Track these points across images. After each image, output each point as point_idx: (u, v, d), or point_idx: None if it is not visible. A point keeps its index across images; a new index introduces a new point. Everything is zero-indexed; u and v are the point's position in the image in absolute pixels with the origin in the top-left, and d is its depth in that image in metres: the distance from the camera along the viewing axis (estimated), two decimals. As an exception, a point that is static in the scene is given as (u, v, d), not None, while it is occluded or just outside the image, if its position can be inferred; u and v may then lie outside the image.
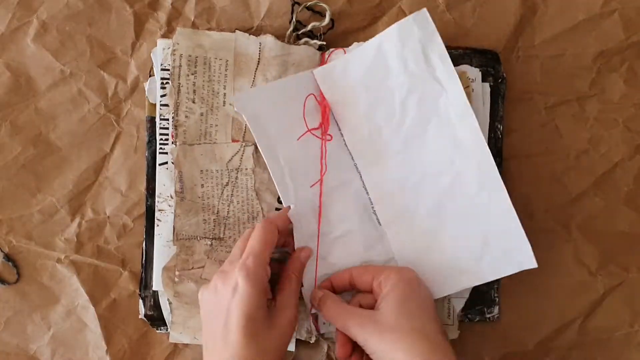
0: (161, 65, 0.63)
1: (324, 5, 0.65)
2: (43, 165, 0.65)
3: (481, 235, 0.60)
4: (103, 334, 0.64)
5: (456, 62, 0.64)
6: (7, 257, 0.64)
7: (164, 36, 0.65)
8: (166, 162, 0.63)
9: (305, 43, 0.65)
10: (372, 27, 0.66)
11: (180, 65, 0.63)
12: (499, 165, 0.64)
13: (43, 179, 0.65)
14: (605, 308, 0.66)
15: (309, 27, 0.65)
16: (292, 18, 0.65)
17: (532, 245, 0.60)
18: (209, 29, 0.65)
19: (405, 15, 0.65)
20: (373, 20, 0.66)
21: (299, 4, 0.65)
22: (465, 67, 0.64)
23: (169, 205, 0.63)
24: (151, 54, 0.65)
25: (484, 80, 0.65)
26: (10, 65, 0.65)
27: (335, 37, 0.66)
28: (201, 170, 0.63)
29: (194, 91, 0.63)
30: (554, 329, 0.66)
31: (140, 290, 0.64)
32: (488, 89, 0.65)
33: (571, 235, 0.66)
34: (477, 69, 0.64)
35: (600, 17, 0.66)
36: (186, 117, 0.63)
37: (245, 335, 0.51)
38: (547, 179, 0.66)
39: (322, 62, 0.65)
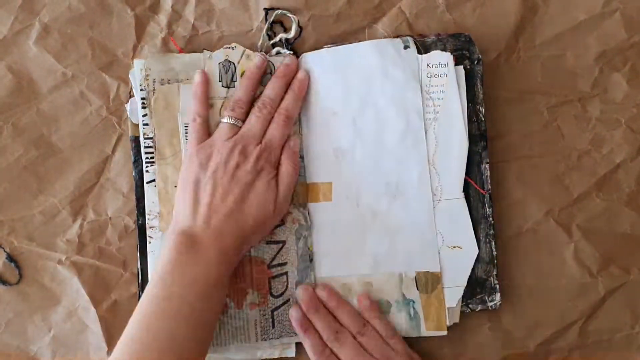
0: (140, 85, 0.64)
1: (290, 16, 0.66)
2: (45, 167, 0.65)
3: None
4: (104, 335, 0.64)
5: (429, 49, 0.64)
6: (10, 258, 0.65)
7: (164, 39, 0.66)
8: (154, 180, 0.64)
9: (277, 53, 0.66)
10: (371, 28, 0.66)
11: (153, 90, 0.63)
12: (484, 149, 0.64)
13: (45, 181, 0.65)
14: (606, 310, 0.65)
15: (277, 38, 0.66)
16: (265, 26, 0.66)
17: (531, 247, 0.60)
18: (208, 32, 0.66)
19: (405, 16, 0.66)
20: (373, 21, 0.66)
21: (273, 9, 0.65)
22: (436, 53, 0.64)
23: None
24: (129, 75, 0.65)
25: (459, 63, 0.64)
26: (13, 67, 0.65)
27: (335, 37, 0.66)
28: None
29: None
30: (555, 330, 0.65)
31: None
32: (462, 72, 0.64)
33: (572, 236, 0.65)
34: (449, 53, 0.64)
35: (601, 17, 0.66)
36: None
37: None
38: (548, 180, 0.66)
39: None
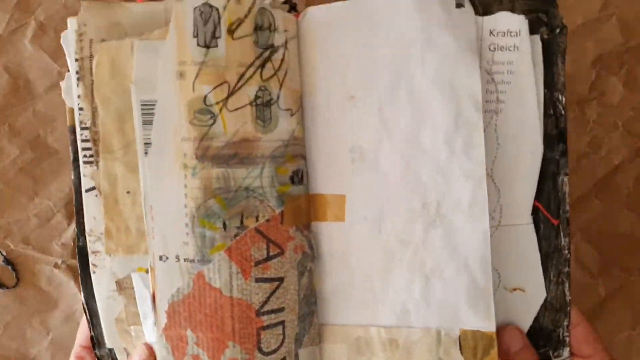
0: (75, 54, 0.45)
1: None
2: (41, 169, 0.64)
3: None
4: (102, 339, 0.63)
5: (490, 8, 0.45)
6: (7, 261, 0.64)
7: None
8: (94, 188, 0.46)
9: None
10: None
11: (90, 55, 0.45)
12: (563, 155, 0.46)
13: (40, 183, 0.64)
14: (607, 311, 0.66)
15: None
16: None
17: None
18: None
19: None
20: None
21: None
22: (504, 16, 0.45)
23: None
24: (61, 40, 0.47)
25: (534, 32, 0.45)
26: (9, 67, 0.64)
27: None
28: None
29: None
30: (556, 331, 0.65)
31: (94, 348, 0.49)
32: (539, 45, 0.45)
33: (572, 238, 0.66)
34: (522, 17, 0.45)
35: (598, 22, 0.67)
36: None
37: None
38: (547, 182, 0.66)
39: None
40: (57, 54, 0.64)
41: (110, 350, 0.49)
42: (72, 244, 0.64)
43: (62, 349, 0.64)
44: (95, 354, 0.49)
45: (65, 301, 0.64)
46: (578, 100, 0.66)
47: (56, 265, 0.64)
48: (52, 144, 0.64)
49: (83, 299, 0.48)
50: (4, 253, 0.64)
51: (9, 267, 0.63)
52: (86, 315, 0.49)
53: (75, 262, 0.62)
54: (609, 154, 0.66)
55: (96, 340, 0.49)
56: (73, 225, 0.64)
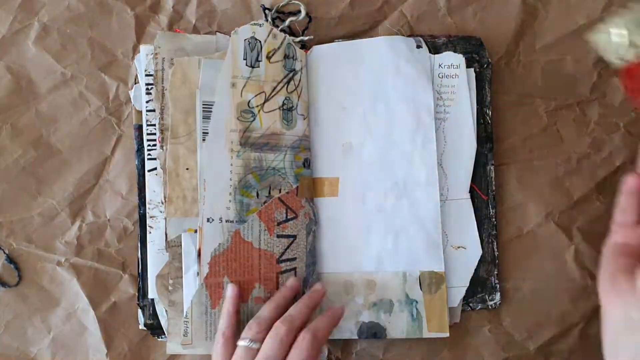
0: (145, 70, 0.63)
1: (297, 2, 0.65)
2: (44, 168, 0.65)
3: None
4: (103, 337, 0.64)
5: (439, 49, 0.65)
6: (9, 259, 0.64)
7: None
8: (155, 168, 0.63)
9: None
10: (373, 30, 0.66)
11: (163, 69, 0.62)
12: (490, 150, 0.65)
13: (44, 182, 0.65)
14: (607, 312, 0.66)
15: (287, 22, 0.65)
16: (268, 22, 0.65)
17: (532, 250, 0.62)
18: (209, 33, 0.65)
19: (406, 19, 0.66)
20: (374, 24, 0.66)
21: (269, 9, 0.65)
22: (448, 54, 0.65)
23: (160, 212, 0.63)
24: (134, 61, 0.65)
25: (469, 66, 0.65)
26: (12, 67, 0.65)
27: (337, 40, 0.66)
28: None
29: None
30: (555, 333, 0.65)
31: (138, 300, 0.64)
32: (473, 75, 0.65)
33: (573, 239, 0.66)
34: (461, 55, 0.65)
35: (600, 22, 0.66)
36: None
37: None
38: (548, 183, 0.66)
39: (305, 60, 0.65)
40: (60, 55, 0.65)
41: (152, 301, 0.63)
42: (76, 242, 0.65)
43: (63, 348, 0.64)
44: (137, 304, 0.64)
45: (67, 299, 0.65)
46: (579, 101, 0.66)
47: (59, 263, 0.65)
48: (55, 144, 0.65)
49: (139, 254, 0.64)
50: (7, 251, 0.64)
51: (12, 266, 0.64)
52: (138, 268, 0.64)
53: (78, 260, 0.64)
54: (610, 155, 0.66)
55: (142, 291, 0.64)
56: (77, 224, 0.65)
